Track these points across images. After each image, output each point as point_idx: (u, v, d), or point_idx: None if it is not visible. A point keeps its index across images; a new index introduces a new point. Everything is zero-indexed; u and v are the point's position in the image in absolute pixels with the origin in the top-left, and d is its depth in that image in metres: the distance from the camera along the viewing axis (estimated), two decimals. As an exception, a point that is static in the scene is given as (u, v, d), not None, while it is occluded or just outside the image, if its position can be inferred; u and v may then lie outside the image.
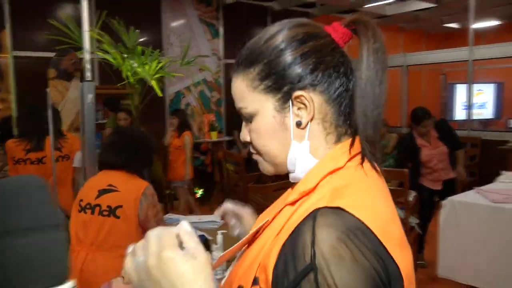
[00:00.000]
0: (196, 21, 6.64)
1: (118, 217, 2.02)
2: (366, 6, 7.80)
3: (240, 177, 4.64)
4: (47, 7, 5.40)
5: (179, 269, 0.56)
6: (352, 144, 0.73)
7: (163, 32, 6.30)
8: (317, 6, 8.05)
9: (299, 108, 0.73)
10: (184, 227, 0.60)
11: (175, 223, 2.28)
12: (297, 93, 0.72)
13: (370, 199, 0.66)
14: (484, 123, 9.11)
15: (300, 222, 0.63)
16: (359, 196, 0.65)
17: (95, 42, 2.61)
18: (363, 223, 0.60)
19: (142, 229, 2.08)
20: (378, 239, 0.60)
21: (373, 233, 0.60)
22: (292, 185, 0.81)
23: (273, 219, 0.73)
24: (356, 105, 0.71)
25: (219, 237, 1.90)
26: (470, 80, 6.16)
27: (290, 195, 0.74)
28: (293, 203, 0.70)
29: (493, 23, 9.45)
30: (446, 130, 4.14)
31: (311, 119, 0.73)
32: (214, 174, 6.52)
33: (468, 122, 6.35)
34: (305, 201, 0.68)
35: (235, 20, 7.06)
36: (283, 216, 0.70)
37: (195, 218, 2.66)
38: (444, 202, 3.34)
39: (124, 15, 3.89)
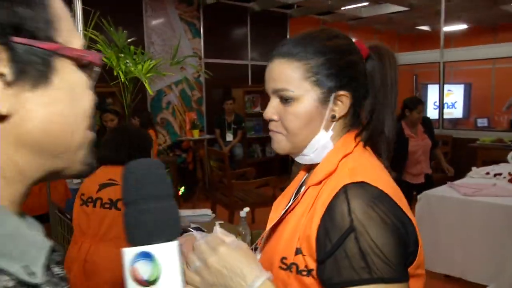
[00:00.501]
0: (177, 20, 6.71)
1: (119, 209, 2.11)
2: (342, 8, 8.04)
3: (223, 174, 4.76)
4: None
5: (234, 257, 0.69)
6: (357, 134, 0.90)
7: (144, 31, 6.35)
8: (295, 8, 8.24)
9: (336, 104, 0.88)
10: (218, 230, 0.74)
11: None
12: (340, 92, 0.87)
13: (380, 174, 0.84)
14: (454, 122, 9.50)
15: (333, 197, 0.77)
16: (372, 172, 0.82)
17: (88, 42, 2.68)
18: (383, 191, 0.76)
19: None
20: (397, 204, 0.77)
21: (392, 199, 0.76)
22: (302, 168, 0.98)
23: (300, 199, 0.88)
24: (374, 111, 0.90)
25: (218, 228, 2.02)
26: (441, 81, 6.45)
27: (312, 177, 0.88)
28: (318, 183, 0.85)
29: (463, 26, 9.87)
30: (429, 127, 4.29)
31: (343, 116, 0.89)
32: (196, 171, 6.61)
33: (440, 121, 6.66)
34: (328, 181, 0.83)
35: (216, 20, 7.15)
36: (310, 195, 0.85)
37: (189, 211, 2.78)
38: (419, 196, 3.55)
39: (106, 14, 3.93)
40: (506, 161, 4.20)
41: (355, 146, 0.88)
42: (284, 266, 0.82)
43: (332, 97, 0.87)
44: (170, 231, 0.52)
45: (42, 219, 3.22)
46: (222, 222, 2.33)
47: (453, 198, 3.43)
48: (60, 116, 0.45)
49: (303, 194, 0.87)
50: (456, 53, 6.76)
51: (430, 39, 9.91)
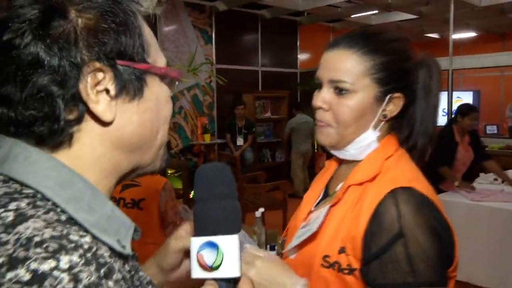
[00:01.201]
0: (190, 27, 6.85)
1: (141, 209, 2.23)
2: (352, 16, 8.14)
3: (235, 177, 4.85)
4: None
5: (271, 268, 0.74)
6: (401, 139, 0.93)
7: (158, 38, 6.48)
8: (305, 15, 8.36)
9: (389, 105, 0.89)
10: (248, 246, 0.78)
11: (188, 215, 2.48)
12: (397, 94, 0.88)
13: (423, 179, 0.86)
14: (463, 129, 9.49)
15: (381, 201, 0.79)
16: (417, 177, 0.85)
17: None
18: (428, 197, 0.80)
19: (162, 219, 2.29)
20: (439, 209, 0.81)
21: (435, 205, 0.81)
22: (332, 160, 1.01)
23: (340, 198, 0.89)
24: (415, 116, 0.92)
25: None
26: (450, 89, 6.51)
27: (353, 176, 0.89)
28: (359, 184, 0.87)
29: (471, 34, 9.93)
30: (477, 140, 4.05)
31: (392, 118, 0.90)
32: (207, 175, 6.71)
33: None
34: (372, 183, 0.85)
35: (227, 27, 7.30)
36: (352, 195, 0.87)
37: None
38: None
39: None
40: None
41: (395, 150, 0.90)
42: (326, 264, 0.84)
43: (388, 97, 0.88)
44: (233, 225, 0.61)
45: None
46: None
47: (461, 203, 3.50)
48: (150, 121, 0.55)
49: (344, 193, 0.88)
50: (465, 60, 6.82)
51: (439, 46, 9.96)
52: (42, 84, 0.47)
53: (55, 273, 0.39)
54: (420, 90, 0.91)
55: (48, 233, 0.41)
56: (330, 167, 1.04)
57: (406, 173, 0.85)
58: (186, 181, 6.00)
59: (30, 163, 0.48)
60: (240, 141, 6.57)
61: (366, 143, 0.90)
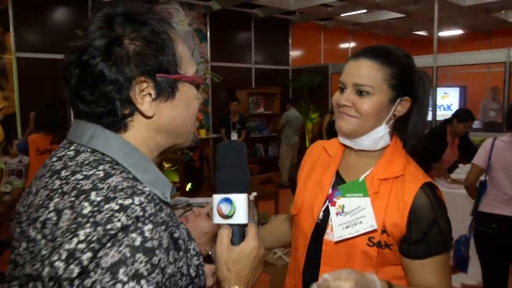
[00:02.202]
0: (185, 26, 7.06)
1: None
2: (342, 14, 8.40)
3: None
4: (48, 11, 5.78)
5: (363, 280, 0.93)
6: (404, 141, 1.16)
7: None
8: (296, 14, 8.61)
9: (399, 106, 1.09)
10: (327, 276, 0.93)
11: (182, 204, 2.72)
12: (406, 98, 1.09)
13: (424, 172, 1.12)
14: (450, 124, 9.78)
15: (416, 194, 1.03)
16: (423, 172, 1.11)
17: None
18: (440, 190, 1.09)
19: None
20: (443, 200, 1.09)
21: (442, 197, 1.09)
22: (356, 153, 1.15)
23: (378, 191, 1.08)
24: (411, 121, 1.14)
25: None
26: (434, 85, 6.80)
27: (379, 172, 1.09)
28: (386, 179, 1.08)
29: (459, 32, 10.23)
30: (466, 145, 4.23)
31: (400, 117, 1.11)
32: (203, 169, 6.97)
33: (433, 123, 7.00)
34: (398, 179, 1.08)
35: (222, 26, 7.54)
36: (383, 187, 1.08)
37: (202, 199, 3.13)
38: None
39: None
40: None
41: (403, 149, 1.14)
42: (371, 243, 1.05)
43: (398, 100, 1.09)
44: (243, 187, 0.85)
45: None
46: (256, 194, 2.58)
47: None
48: (180, 116, 0.79)
49: (379, 186, 1.08)
50: (449, 58, 7.11)
51: (427, 43, 10.24)
52: (106, 91, 0.72)
53: (132, 206, 0.62)
54: (418, 99, 1.13)
55: (125, 184, 0.66)
56: (337, 154, 1.20)
57: (419, 170, 1.11)
58: (182, 174, 6.25)
59: (107, 141, 0.73)
60: (234, 136, 6.82)
61: (379, 136, 1.10)
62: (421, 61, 7.28)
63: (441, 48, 7.02)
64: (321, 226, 1.13)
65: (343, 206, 1.10)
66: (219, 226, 0.86)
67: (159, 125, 0.76)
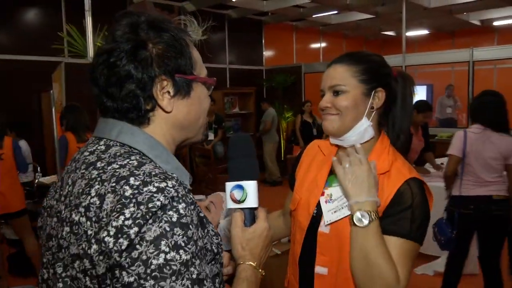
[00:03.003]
0: (159, 27, 7.08)
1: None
2: (314, 15, 8.60)
3: (209, 169, 5.20)
4: (18, 12, 5.71)
5: (369, 176, 1.08)
6: (391, 138, 1.23)
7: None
8: (269, 15, 8.75)
9: (375, 98, 1.17)
10: (372, 162, 1.12)
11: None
12: (379, 89, 1.17)
13: (411, 166, 1.19)
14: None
15: (401, 185, 1.11)
16: (409, 166, 1.18)
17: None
18: (426, 185, 1.16)
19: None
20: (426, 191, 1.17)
21: (427, 191, 1.17)
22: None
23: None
24: (395, 116, 1.23)
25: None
26: (404, 83, 7.04)
27: (380, 166, 1.16)
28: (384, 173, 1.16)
29: (425, 32, 10.62)
30: (426, 132, 4.55)
31: (378, 108, 1.19)
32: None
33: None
34: (385, 174, 1.16)
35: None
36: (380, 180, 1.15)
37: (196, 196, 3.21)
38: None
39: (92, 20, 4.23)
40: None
41: (389, 145, 1.20)
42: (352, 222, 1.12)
43: (373, 93, 1.17)
44: (253, 175, 0.94)
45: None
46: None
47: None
48: (194, 111, 0.88)
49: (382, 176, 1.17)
50: (417, 57, 7.42)
51: (395, 43, 10.58)
52: (131, 89, 0.80)
53: (167, 188, 0.70)
54: (398, 97, 1.22)
55: (157, 170, 0.75)
56: (331, 153, 1.28)
57: (406, 166, 1.18)
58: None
59: (134, 135, 0.82)
60: (211, 136, 6.88)
61: (363, 128, 1.18)
62: (390, 60, 7.47)
63: (408, 48, 7.30)
64: (316, 219, 1.21)
65: (331, 194, 1.20)
66: (232, 211, 0.96)
67: (176, 120, 0.85)
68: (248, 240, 0.92)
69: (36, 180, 3.94)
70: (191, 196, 0.76)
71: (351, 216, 1.09)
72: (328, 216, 1.18)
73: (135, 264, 0.66)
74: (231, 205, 0.94)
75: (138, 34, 0.81)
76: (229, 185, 0.94)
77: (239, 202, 0.93)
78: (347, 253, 1.13)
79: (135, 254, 0.67)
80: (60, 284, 0.76)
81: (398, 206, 1.11)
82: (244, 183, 0.92)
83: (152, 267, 0.66)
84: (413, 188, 1.12)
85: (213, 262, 0.80)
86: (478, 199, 2.92)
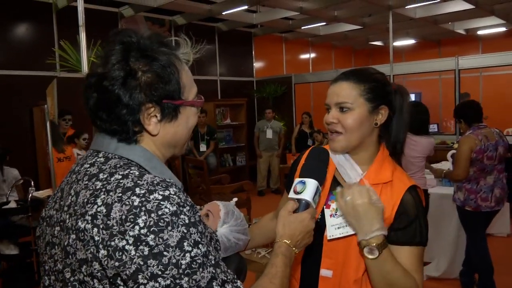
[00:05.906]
0: (150, 40, 7.14)
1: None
2: (302, 27, 8.73)
3: (202, 180, 5.23)
4: (10, 27, 5.74)
5: (372, 209, 1.10)
6: (389, 148, 1.29)
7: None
8: (259, 27, 8.88)
9: (378, 115, 1.23)
10: (368, 185, 1.15)
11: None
12: (383, 107, 1.23)
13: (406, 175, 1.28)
14: (407, 129, 10.24)
15: (404, 195, 1.19)
16: (407, 175, 1.26)
17: (90, 65, 3.11)
18: (422, 192, 1.24)
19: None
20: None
21: (422, 197, 1.25)
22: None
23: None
24: (392, 128, 1.28)
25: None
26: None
27: (369, 177, 1.22)
28: (377, 184, 1.22)
29: (411, 41, 10.81)
30: None
31: (381, 124, 1.25)
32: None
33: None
34: (388, 183, 1.22)
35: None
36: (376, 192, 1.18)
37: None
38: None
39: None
40: (447, 160, 4.89)
41: (388, 156, 1.28)
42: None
43: (377, 110, 1.23)
44: (316, 175, 1.10)
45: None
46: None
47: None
48: (181, 131, 0.93)
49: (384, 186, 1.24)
50: (404, 67, 7.56)
51: (383, 53, 10.74)
52: (120, 113, 0.86)
53: (171, 195, 0.77)
54: (397, 109, 1.27)
55: (158, 179, 0.81)
56: (332, 163, 1.29)
57: (404, 174, 1.26)
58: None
59: (131, 150, 0.88)
60: (203, 147, 6.94)
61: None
62: (378, 70, 7.76)
63: (395, 57, 7.43)
64: (321, 224, 1.25)
65: (336, 209, 1.23)
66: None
67: (164, 140, 0.92)
68: (290, 222, 1.05)
69: (30, 195, 3.94)
70: (189, 199, 0.83)
71: (361, 248, 1.14)
72: (332, 231, 1.23)
73: (168, 268, 0.73)
74: (291, 195, 1.10)
75: (129, 62, 0.85)
76: (296, 180, 1.11)
77: (297, 193, 1.08)
78: (352, 256, 1.20)
79: (165, 260, 0.73)
80: None
81: (405, 217, 1.19)
82: (306, 179, 1.09)
83: (183, 266, 0.74)
84: (415, 197, 1.21)
85: (214, 247, 0.91)
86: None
